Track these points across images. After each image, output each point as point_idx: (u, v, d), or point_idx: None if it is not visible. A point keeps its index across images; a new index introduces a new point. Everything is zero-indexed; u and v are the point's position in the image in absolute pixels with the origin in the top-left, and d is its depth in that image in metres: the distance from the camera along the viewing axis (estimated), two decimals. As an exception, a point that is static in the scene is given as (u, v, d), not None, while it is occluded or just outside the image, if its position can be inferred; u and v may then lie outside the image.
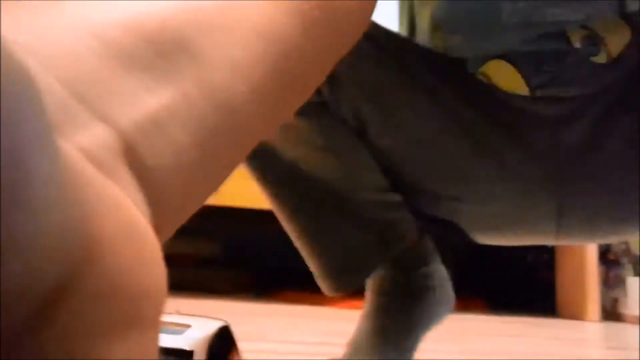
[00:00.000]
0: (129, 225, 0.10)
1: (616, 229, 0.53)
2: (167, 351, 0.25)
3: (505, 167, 0.54)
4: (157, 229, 0.13)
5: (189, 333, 0.27)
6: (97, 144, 0.11)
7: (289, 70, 0.17)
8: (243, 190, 1.46)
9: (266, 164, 0.56)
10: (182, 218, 0.15)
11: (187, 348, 0.25)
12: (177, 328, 0.27)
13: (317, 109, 0.54)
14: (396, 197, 0.59)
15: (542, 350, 0.97)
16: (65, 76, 0.12)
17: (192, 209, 0.15)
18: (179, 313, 0.29)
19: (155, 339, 0.11)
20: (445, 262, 0.64)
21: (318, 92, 0.54)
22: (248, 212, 1.61)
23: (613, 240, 0.58)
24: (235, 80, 0.15)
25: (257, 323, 1.09)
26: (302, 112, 0.53)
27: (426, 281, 0.61)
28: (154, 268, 0.11)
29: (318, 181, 0.57)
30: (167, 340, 0.25)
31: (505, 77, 0.50)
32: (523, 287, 1.84)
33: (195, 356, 0.25)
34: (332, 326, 0.73)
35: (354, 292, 0.65)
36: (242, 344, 0.30)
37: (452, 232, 0.63)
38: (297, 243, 0.59)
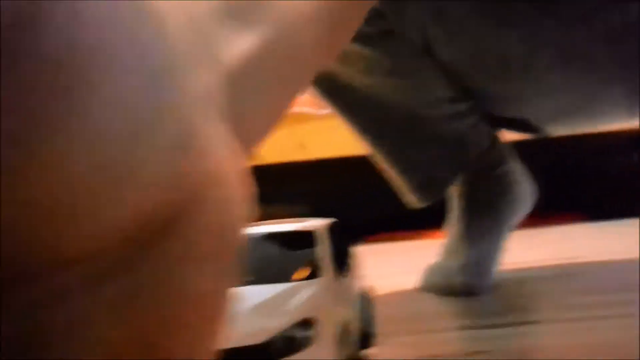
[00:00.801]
0: (233, 166, 0.11)
1: None
2: (292, 234, 0.32)
3: (572, 55, 0.55)
4: None
5: (308, 223, 0.33)
6: (214, 83, 0.12)
7: None
8: (326, 141, 1.52)
9: (344, 98, 0.61)
10: (254, 151, 0.15)
11: (309, 230, 0.32)
12: (298, 221, 0.34)
13: (383, 37, 0.58)
14: (467, 106, 0.62)
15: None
16: (186, 15, 0.12)
17: (261, 142, 0.16)
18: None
19: (236, 266, 0.11)
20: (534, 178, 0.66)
21: (383, 20, 0.57)
22: (333, 164, 1.67)
23: None
24: (298, 8, 0.16)
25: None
26: (370, 42, 0.57)
27: (505, 179, 0.64)
28: (246, 207, 0.12)
29: (393, 105, 0.61)
30: (291, 226, 0.32)
31: None
32: (623, 193, 1.76)
33: (317, 234, 0.32)
34: (427, 255, 0.79)
35: (441, 223, 0.69)
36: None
37: (525, 129, 0.66)
38: (383, 165, 0.64)
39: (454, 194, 0.64)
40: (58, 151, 0.08)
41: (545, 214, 1.62)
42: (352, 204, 2.06)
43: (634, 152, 1.72)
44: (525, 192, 0.64)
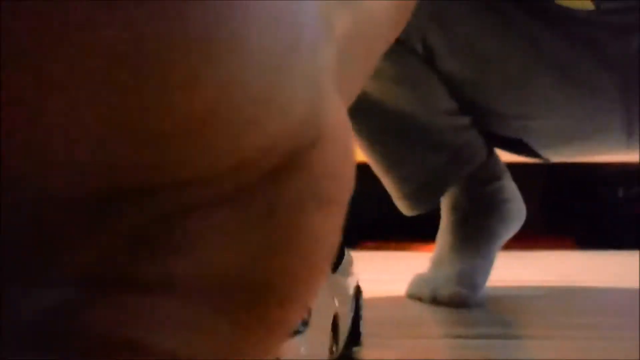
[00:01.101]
0: (345, 121, 0.12)
1: None
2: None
3: (573, 79, 0.56)
4: None
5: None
6: (332, 56, 0.12)
7: None
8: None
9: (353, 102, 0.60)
10: None
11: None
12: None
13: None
14: (465, 120, 0.63)
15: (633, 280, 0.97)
16: None
17: None
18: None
19: (343, 218, 0.12)
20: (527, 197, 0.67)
21: None
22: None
23: None
24: None
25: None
26: None
27: (498, 195, 0.64)
28: (353, 161, 0.12)
29: (393, 111, 0.61)
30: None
31: None
32: (614, 223, 1.79)
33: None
34: (418, 266, 0.79)
35: (433, 237, 0.69)
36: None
37: (522, 150, 0.66)
38: (376, 169, 0.64)
39: (445, 207, 0.64)
40: (215, 72, 0.09)
41: (536, 236, 1.63)
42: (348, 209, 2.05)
43: (618, 186, 1.74)
44: (517, 211, 0.64)
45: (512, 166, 0.74)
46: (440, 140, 0.62)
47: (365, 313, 0.43)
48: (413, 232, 1.45)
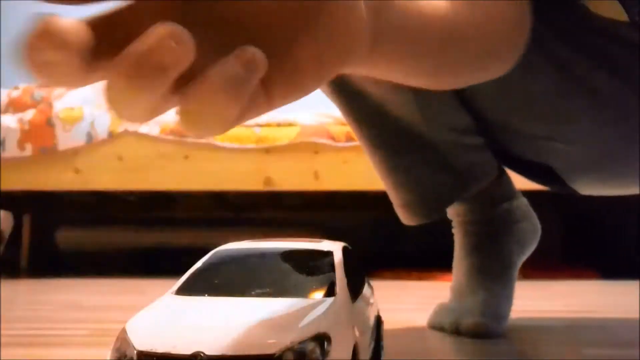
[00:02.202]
0: None
1: None
2: (309, 252, 0.32)
3: (602, 100, 0.53)
4: None
5: (323, 243, 0.34)
6: None
7: None
8: (338, 174, 1.53)
9: (354, 102, 0.58)
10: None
11: (327, 250, 0.33)
12: (314, 241, 0.34)
13: None
14: (478, 140, 0.61)
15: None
16: None
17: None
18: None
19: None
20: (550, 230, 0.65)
21: None
22: (342, 197, 1.68)
23: None
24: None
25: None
26: None
27: (510, 215, 0.62)
28: None
29: (401, 120, 0.59)
30: (308, 245, 0.33)
31: (605, 5, 0.49)
32: (637, 253, 1.75)
33: (335, 255, 0.32)
34: (437, 296, 0.77)
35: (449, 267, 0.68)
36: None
37: (548, 180, 0.64)
38: (378, 173, 0.62)
39: (457, 233, 0.63)
40: None
41: (558, 266, 1.60)
42: (361, 238, 2.06)
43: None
44: (531, 229, 0.62)
45: (533, 195, 0.73)
46: (447, 158, 0.59)
47: (386, 343, 0.43)
48: (434, 261, 1.42)
